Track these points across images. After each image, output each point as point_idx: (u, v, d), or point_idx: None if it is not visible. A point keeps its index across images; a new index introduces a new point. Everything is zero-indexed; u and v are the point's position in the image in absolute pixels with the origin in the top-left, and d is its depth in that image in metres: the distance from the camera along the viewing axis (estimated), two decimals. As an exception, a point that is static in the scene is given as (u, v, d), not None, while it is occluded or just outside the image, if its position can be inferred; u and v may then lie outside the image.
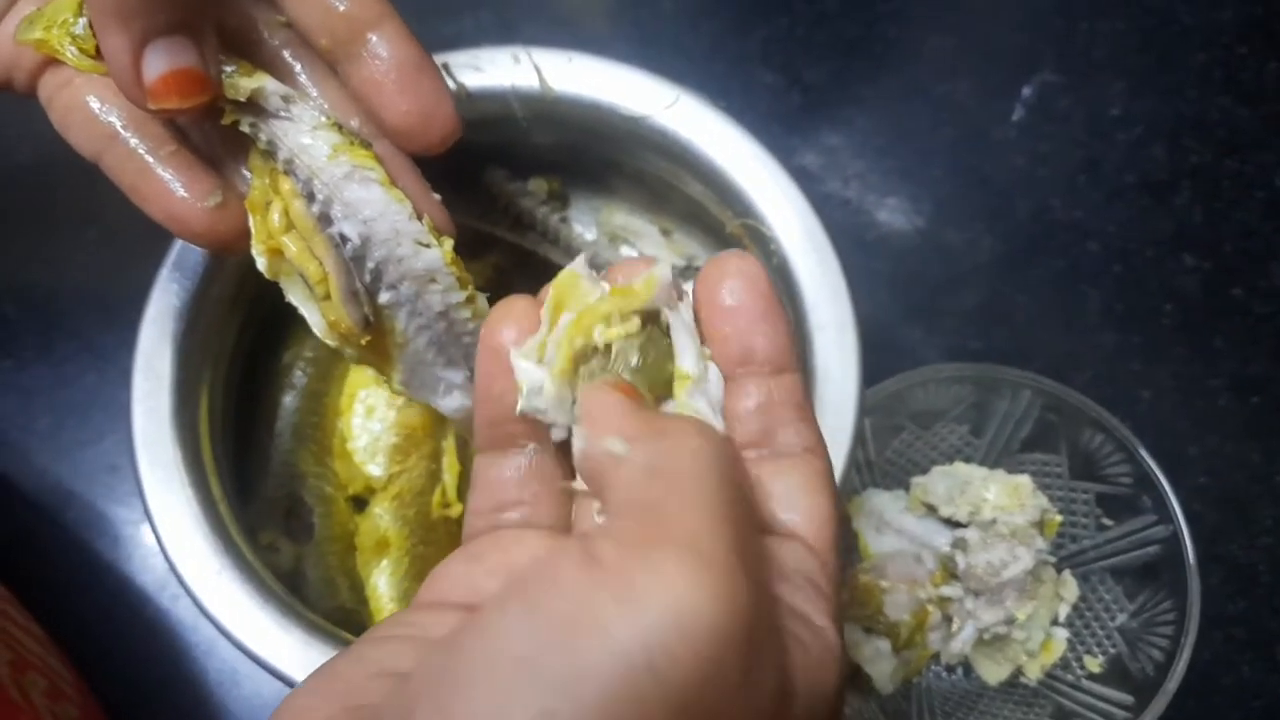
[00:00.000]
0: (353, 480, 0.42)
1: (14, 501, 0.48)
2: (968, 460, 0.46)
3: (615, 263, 0.42)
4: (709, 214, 0.40)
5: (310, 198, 0.27)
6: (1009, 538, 0.44)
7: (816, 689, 0.19)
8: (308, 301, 0.29)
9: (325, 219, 0.28)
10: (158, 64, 0.25)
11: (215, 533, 0.34)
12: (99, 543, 0.48)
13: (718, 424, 0.22)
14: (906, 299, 0.52)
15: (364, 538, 0.41)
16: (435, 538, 0.41)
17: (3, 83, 0.29)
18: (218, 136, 0.28)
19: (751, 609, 0.16)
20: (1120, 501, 0.44)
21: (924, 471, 0.46)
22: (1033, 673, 0.44)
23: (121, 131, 0.27)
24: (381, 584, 0.40)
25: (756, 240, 0.38)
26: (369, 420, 0.42)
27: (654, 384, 0.23)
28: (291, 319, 0.29)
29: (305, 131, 0.27)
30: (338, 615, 0.39)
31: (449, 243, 0.29)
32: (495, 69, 0.39)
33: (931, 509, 0.46)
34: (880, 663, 0.43)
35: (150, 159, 0.27)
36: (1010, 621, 0.43)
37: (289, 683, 0.32)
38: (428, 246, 0.28)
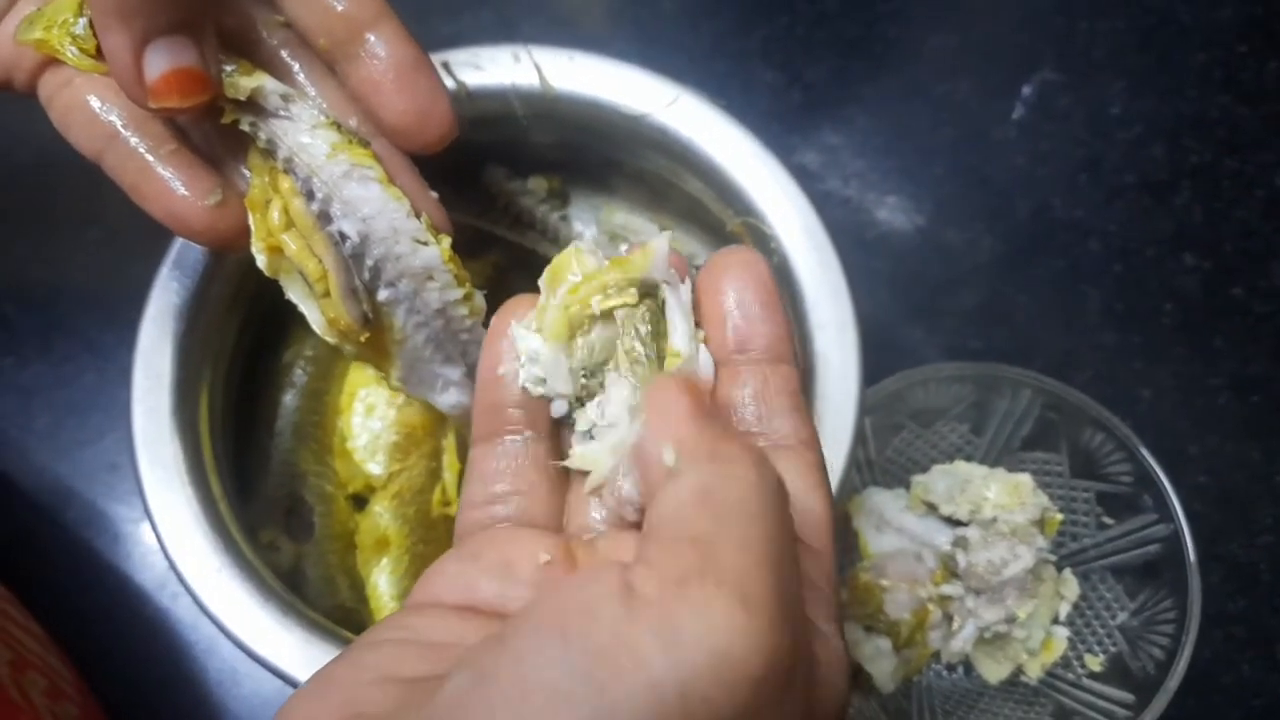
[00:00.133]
0: (353, 479, 0.42)
1: (14, 500, 0.48)
2: (968, 459, 0.46)
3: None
4: (709, 212, 0.40)
5: (309, 196, 0.28)
6: (1009, 536, 0.43)
7: (828, 699, 0.19)
8: (307, 299, 0.29)
9: (324, 217, 0.28)
10: (158, 63, 0.25)
11: (215, 531, 0.34)
12: (99, 541, 0.48)
13: (708, 369, 0.23)
14: (907, 298, 0.52)
15: (364, 536, 0.41)
16: (435, 536, 0.41)
17: (3, 82, 0.29)
18: (217, 135, 0.28)
19: (791, 655, 0.16)
20: (1121, 500, 0.44)
21: (924, 470, 0.46)
22: (1033, 671, 0.44)
23: (122, 130, 0.28)
24: (381, 582, 0.40)
25: (757, 238, 0.38)
26: (369, 419, 0.42)
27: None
28: (292, 317, 0.29)
29: (304, 130, 0.28)
30: (338, 614, 0.39)
31: (446, 240, 0.29)
32: (495, 67, 0.39)
33: (932, 508, 0.46)
34: (881, 661, 0.43)
35: (151, 158, 0.28)
36: (1011, 620, 0.43)
37: (289, 681, 0.32)
38: (425, 244, 0.28)
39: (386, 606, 0.40)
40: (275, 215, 0.28)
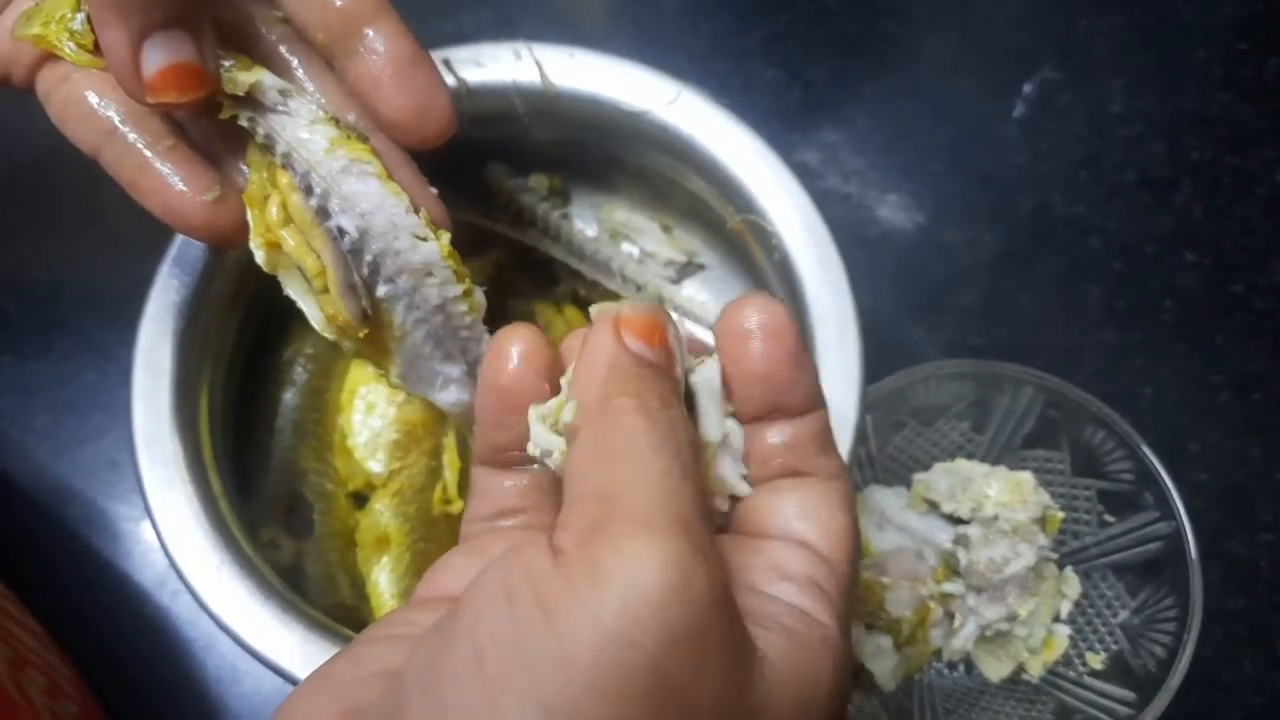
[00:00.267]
0: (353, 476, 0.42)
1: (13, 499, 0.48)
2: (969, 457, 0.46)
3: (615, 257, 0.42)
4: (710, 209, 0.40)
5: (308, 191, 0.27)
6: (1010, 534, 0.43)
7: (807, 675, 0.19)
8: (306, 295, 0.29)
9: (323, 212, 0.28)
10: (156, 59, 0.25)
11: (215, 529, 0.34)
12: (99, 540, 0.48)
13: (741, 488, 0.22)
14: (908, 296, 0.52)
15: (364, 534, 0.41)
16: (436, 534, 0.41)
17: (1, 78, 0.29)
18: (216, 131, 0.28)
19: (704, 568, 0.17)
20: (1122, 498, 0.44)
21: (926, 468, 0.46)
22: (1034, 669, 0.44)
23: (120, 126, 0.28)
24: (382, 580, 0.40)
25: (758, 235, 0.38)
26: (369, 417, 0.42)
27: None
28: (292, 315, 0.29)
29: (303, 125, 0.28)
30: (338, 612, 0.39)
31: (446, 236, 0.29)
32: (496, 64, 0.39)
33: (933, 505, 0.46)
34: (882, 659, 0.43)
35: (149, 153, 0.27)
36: (1012, 618, 0.43)
37: (289, 679, 0.32)
38: (425, 240, 0.28)
39: (387, 604, 0.40)
40: (274, 210, 0.28)
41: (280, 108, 0.27)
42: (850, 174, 0.54)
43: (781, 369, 0.22)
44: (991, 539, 0.44)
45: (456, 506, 0.41)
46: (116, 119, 0.27)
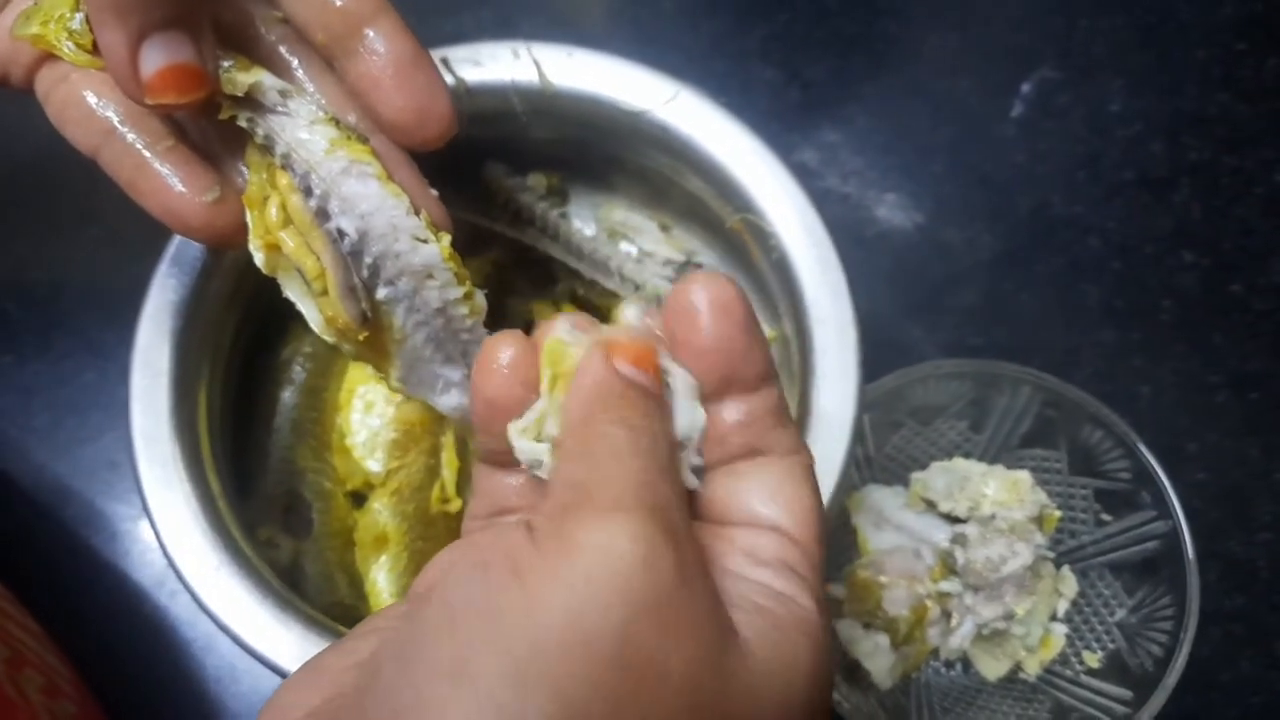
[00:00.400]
0: (351, 476, 0.42)
1: (12, 498, 0.48)
2: (967, 456, 0.46)
3: (614, 257, 0.42)
4: (709, 209, 0.40)
5: (308, 192, 0.27)
6: (1008, 533, 0.44)
7: (786, 655, 0.19)
8: (305, 297, 0.28)
9: (323, 214, 0.27)
10: (155, 59, 0.25)
11: (214, 529, 0.34)
12: (97, 539, 0.48)
13: (691, 481, 0.22)
14: (906, 295, 0.52)
15: (363, 533, 0.41)
16: (434, 533, 0.41)
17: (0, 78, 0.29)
18: (215, 132, 0.28)
19: (672, 545, 0.18)
20: (1119, 497, 0.44)
21: (923, 467, 0.46)
22: (1031, 668, 0.44)
23: (119, 126, 0.27)
24: (380, 579, 0.40)
25: (756, 235, 0.38)
26: (368, 416, 0.42)
27: None
28: (290, 314, 0.29)
29: (302, 126, 0.27)
30: (336, 611, 0.39)
31: (446, 238, 0.29)
32: (495, 64, 0.39)
33: (931, 504, 0.46)
34: (879, 658, 0.43)
35: (147, 154, 0.27)
36: (1009, 617, 0.43)
37: (287, 678, 0.32)
38: (425, 242, 0.28)
39: (385, 603, 0.40)
40: (273, 212, 0.28)
41: (280, 108, 0.27)
42: (849, 174, 0.54)
43: (733, 342, 0.22)
44: (989, 538, 0.44)
45: (455, 505, 0.41)
46: (115, 119, 0.27)
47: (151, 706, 0.45)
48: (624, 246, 0.44)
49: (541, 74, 0.39)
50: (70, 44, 0.27)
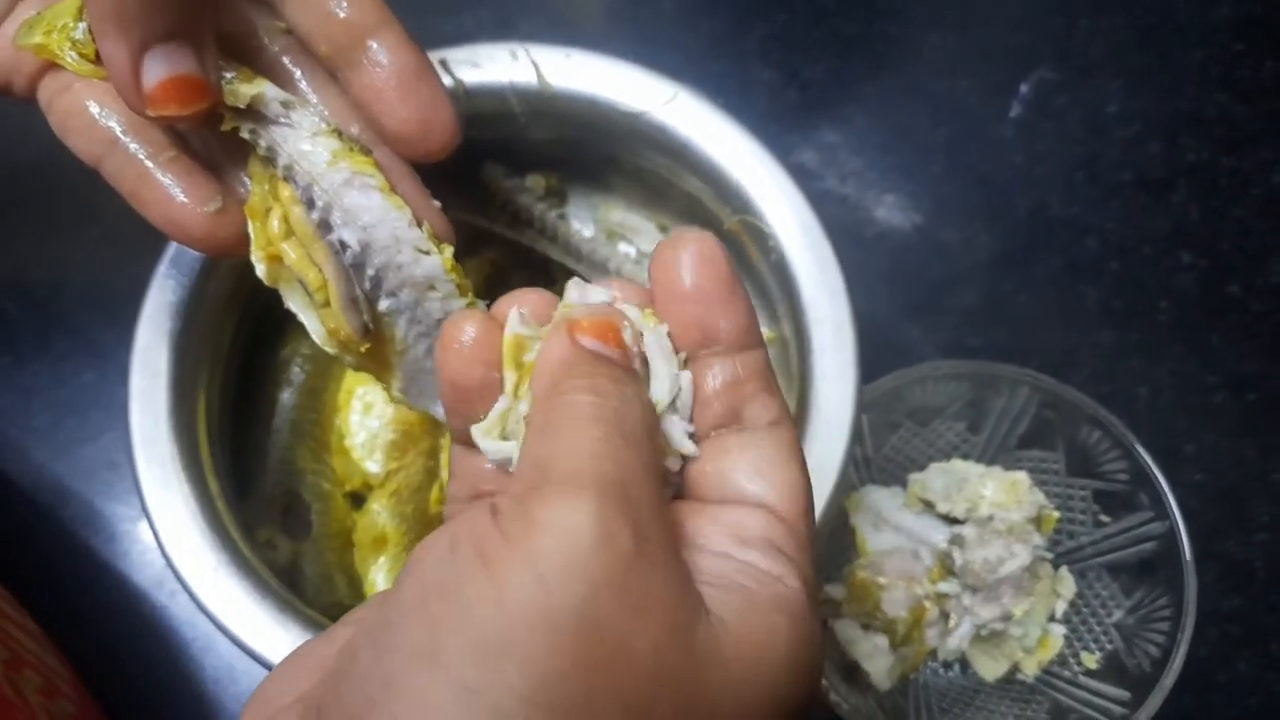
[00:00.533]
0: (350, 477, 0.42)
1: (12, 499, 0.48)
2: (965, 457, 0.46)
3: (612, 257, 0.42)
4: (707, 210, 0.40)
5: (310, 204, 0.27)
6: (1006, 534, 0.44)
7: (756, 635, 0.19)
8: (307, 308, 0.28)
9: (325, 225, 0.27)
10: (157, 70, 0.25)
11: (213, 529, 0.34)
12: (96, 540, 0.48)
13: (687, 447, 0.22)
14: (904, 296, 0.52)
15: (362, 534, 0.41)
16: (433, 534, 0.41)
17: (2, 87, 0.29)
18: (217, 142, 0.28)
19: (628, 523, 0.18)
20: (1117, 498, 0.44)
21: (921, 468, 0.47)
22: (1029, 669, 0.44)
23: (121, 137, 0.27)
24: (379, 580, 0.40)
25: (754, 236, 0.38)
26: (367, 417, 0.42)
27: None
28: (288, 315, 0.29)
29: (305, 138, 0.27)
30: (335, 611, 0.39)
31: (449, 250, 0.29)
32: (493, 65, 0.39)
33: (929, 505, 0.46)
34: (877, 659, 0.43)
35: (150, 164, 0.27)
36: (1007, 618, 0.43)
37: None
38: (427, 254, 0.28)
39: (384, 604, 0.40)
40: (275, 223, 0.27)
41: (282, 120, 0.27)
42: (848, 174, 0.54)
43: (713, 291, 0.22)
44: (987, 539, 0.44)
45: (453, 506, 0.41)
46: (118, 129, 0.27)
47: (150, 707, 0.45)
48: (622, 247, 0.44)
49: (540, 75, 0.39)
50: (73, 54, 0.27)
